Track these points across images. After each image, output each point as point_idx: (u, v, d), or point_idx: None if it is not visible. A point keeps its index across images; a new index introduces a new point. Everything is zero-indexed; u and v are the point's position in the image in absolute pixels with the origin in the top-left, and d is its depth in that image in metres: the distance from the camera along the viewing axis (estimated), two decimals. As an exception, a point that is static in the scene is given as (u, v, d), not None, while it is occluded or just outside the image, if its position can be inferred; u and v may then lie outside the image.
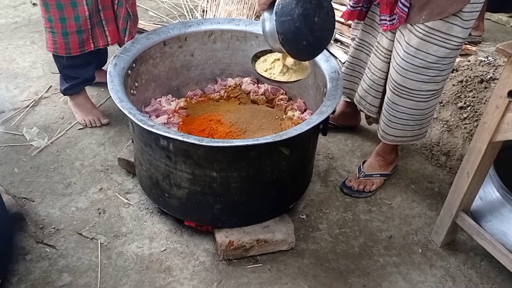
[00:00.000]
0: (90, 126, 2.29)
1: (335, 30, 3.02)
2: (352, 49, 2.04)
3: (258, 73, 1.71)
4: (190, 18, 3.33)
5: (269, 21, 1.48)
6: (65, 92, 2.27)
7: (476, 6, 1.59)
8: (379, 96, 1.93)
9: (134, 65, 1.80)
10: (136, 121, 1.45)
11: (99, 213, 1.87)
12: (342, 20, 2.09)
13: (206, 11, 3.32)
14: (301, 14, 1.43)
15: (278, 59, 1.70)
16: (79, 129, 2.28)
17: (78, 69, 2.18)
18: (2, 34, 3.04)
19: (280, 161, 1.60)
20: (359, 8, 1.85)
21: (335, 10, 1.60)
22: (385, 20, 1.71)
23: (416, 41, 1.66)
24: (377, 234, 1.86)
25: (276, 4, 1.43)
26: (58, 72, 2.25)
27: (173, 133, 1.43)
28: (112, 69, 1.67)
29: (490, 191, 1.72)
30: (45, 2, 1.95)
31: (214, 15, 3.18)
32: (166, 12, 3.44)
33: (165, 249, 1.74)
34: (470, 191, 1.63)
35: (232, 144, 1.43)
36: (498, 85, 1.38)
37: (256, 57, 1.75)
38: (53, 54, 2.13)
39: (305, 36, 1.47)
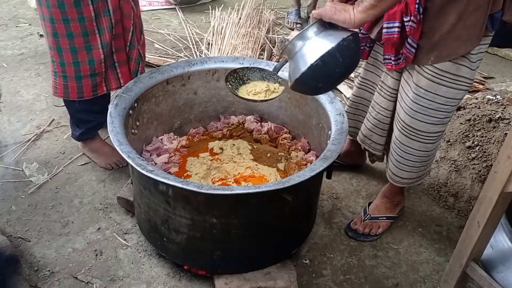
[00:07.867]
0: (116, 168, 2.23)
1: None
2: (355, 87, 2.01)
3: (237, 94, 1.69)
4: (195, 51, 3.33)
5: (309, 45, 1.34)
6: (80, 137, 2.19)
7: (483, 47, 1.57)
8: (385, 135, 1.90)
9: (135, 104, 1.77)
10: (135, 166, 1.41)
11: (96, 255, 1.81)
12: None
13: (212, 44, 3.31)
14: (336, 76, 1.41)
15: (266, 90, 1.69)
16: (80, 164, 2.25)
17: (92, 113, 2.12)
18: (8, 65, 3.05)
19: (283, 207, 1.55)
20: (362, 47, 1.83)
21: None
22: (390, 59, 1.68)
23: (425, 83, 1.62)
24: (383, 282, 1.79)
25: (325, 51, 1.31)
26: (69, 116, 2.18)
27: (172, 179, 1.38)
28: (113, 110, 1.64)
29: (501, 240, 1.64)
30: (58, 46, 1.88)
31: (219, 49, 3.16)
32: (172, 44, 3.45)
33: (163, 296, 1.68)
34: (481, 241, 1.56)
35: (232, 192, 1.38)
36: (509, 135, 1.33)
37: (236, 73, 1.71)
38: (64, 100, 2.07)
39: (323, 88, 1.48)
